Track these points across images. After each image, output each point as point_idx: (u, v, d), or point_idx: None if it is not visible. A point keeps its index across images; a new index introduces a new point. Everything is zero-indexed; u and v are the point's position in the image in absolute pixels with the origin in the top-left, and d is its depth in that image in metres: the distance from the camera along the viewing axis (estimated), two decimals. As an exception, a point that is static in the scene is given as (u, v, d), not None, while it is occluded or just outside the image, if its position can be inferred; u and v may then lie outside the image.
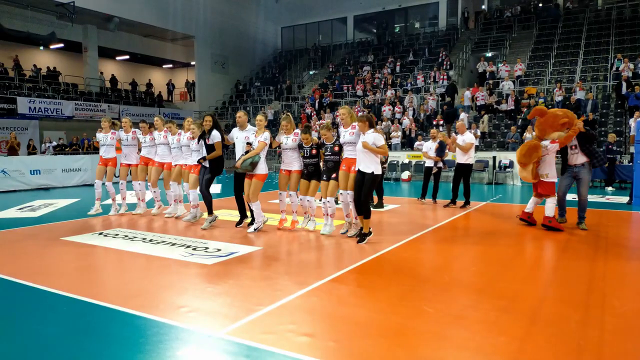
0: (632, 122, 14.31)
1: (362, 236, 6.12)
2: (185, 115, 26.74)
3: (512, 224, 7.62)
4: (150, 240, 6.40)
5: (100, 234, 6.86)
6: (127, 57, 30.41)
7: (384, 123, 18.82)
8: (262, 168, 6.77)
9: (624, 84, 16.54)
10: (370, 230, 6.16)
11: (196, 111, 27.81)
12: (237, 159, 6.86)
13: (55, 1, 20.97)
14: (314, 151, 6.77)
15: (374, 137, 5.93)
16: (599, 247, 6.04)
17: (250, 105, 27.10)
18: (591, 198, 10.81)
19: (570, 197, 8.50)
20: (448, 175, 14.16)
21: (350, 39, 30.55)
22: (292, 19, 31.88)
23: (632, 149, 13.69)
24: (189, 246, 6.04)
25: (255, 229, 6.86)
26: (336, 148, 6.56)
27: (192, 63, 30.38)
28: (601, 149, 13.57)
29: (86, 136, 20.59)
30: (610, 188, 12.57)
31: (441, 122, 17.23)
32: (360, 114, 6.57)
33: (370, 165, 5.96)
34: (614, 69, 18.36)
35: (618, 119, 16.64)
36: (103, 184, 8.61)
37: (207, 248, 5.94)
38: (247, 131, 7.07)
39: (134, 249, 5.91)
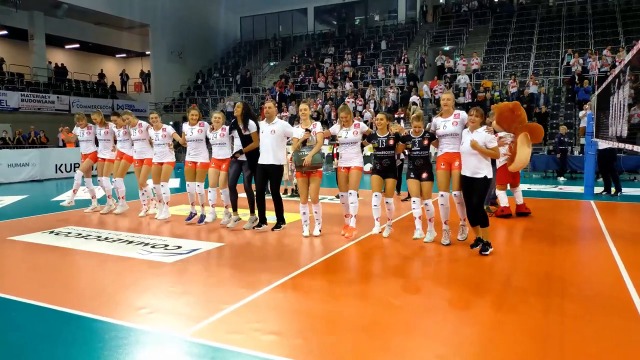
0: (581, 115, 14.94)
1: (484, 246, 5.22)
2: (140, 107, 25.85)
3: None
4: (106, 239, 6.10)
5: (51, 232, 6.49)
6: (77, 45, 29.05)
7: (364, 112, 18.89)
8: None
9: (576, 77, 17.25)
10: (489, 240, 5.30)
11: (152, 102, 26.96)
12: (297, 157, 5.96)
13: (-3, -15, 19.73)
14: (391, 141, 5.82)
15: (485, 137, 5.12)
16: (555, 235, 6.23)
17: (209, 96, 26.49)
18: (545, 188, 11.24)
19: (526, 187, 8.81)
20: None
21: (310, 30, 30.33)
22: (251, 9, 31.28)
23: (582, 140, 14.31)
24: (147, 244, 5.80)
25: (320, 231, 6.18)
26: (425, 142, 5.66)
27: (147, 53, 29.35)
28: (554, 140, 14.11)
29: (34, 129, 19.54)
30: (562, 178, 13.09)
31: (402, 116, 17.41)
32: (474, 108, 5.28)
33: (481, 168, 5.13)
34: (565, 63, 19.07)
35: (568, 112, 17.33)
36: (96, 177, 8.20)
37: (166, 245, 5.72)
38: (274, 124, 6.22)
39: (88, 248, 5.61)
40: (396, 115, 18.00)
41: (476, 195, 5.18)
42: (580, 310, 3.64)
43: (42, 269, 4.88)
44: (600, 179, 10.46)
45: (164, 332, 3.29)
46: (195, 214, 7.07)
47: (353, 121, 6.09)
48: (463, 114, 5.51)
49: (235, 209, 6.74)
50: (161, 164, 7.30)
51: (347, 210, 6.19)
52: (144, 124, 7.54)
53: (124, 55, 32.64)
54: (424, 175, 5.71)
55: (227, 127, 6.70)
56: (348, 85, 21.71)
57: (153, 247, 5.64)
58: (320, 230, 6.20)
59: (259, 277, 4.49)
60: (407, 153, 5.90)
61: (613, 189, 9.72)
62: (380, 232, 6.13)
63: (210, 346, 3.07)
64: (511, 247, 5.79)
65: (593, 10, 22.62)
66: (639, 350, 3.02)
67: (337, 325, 3.41)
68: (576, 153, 13.74)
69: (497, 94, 18.39)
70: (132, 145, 7.61)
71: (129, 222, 7.22)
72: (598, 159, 9.90)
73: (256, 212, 6.62)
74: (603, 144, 8.90)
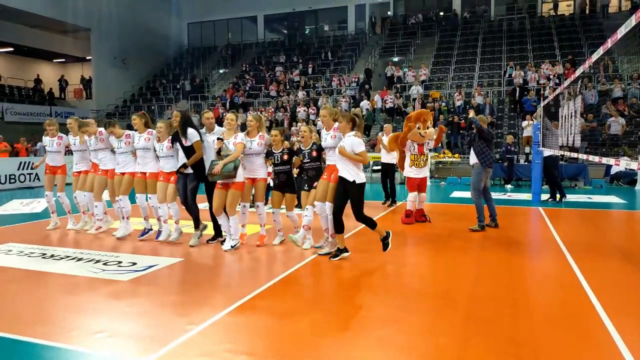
0: (524, 124, 15.69)
1: (339, 251, 5.40)
2: (80, 115, 24.49)
3: (428, 223, 7.83)
4: (52, 256, 5.65)
5: (-12, 250, 5.94)
6: (10, 49, 27.28)
7: (299, 124, 18.79)
8: (240, 175, 5.81)
9: (518, 89, 18.18)
10: (345, 247, 5.46)
11: (93, 110, 25.75)
12: (210, 165, 5.80)
13: None
14: (285, 157, 5.94)
15: (351, 142, 5.16)
16: (511, 242, 6.42)
17: (156, 104, 25.65)
18: (494, 195, 11.60)
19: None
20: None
21: (261, 38, 30.17)
22: (199, 15, 30.72)
23: (526, 149, 15.00)
24: (98, 260, 5.42)
25: (232, 247, 5.86)
26: (314, 153, 5.81)
27: (88, 58, 28.03)
28: (501, 150, 14.67)
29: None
30: (509, 186, 13.61)
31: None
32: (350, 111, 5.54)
33: (350, 171, 5.18)
34: (507, 75, 20.02)
35: (512, 122, 18.16)
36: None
37: (120, 262, 5.37)
38: (215, 134, 6.05)
39: (33, 267, 5.16)
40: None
41: (353, 203, 5.20)
42: (548, 317, 3.71)
43: (-20, 292, 4.41)
44: (546, 186, 10.96)
45: (126, 358, 3.04)
46: (150, 229, 6.63)
47: (259, 132, 6.00)
48: None
49: (196, 226, 6.29)
50: (123, 174, 6.61)
51: (245, 221, 6.22)
52: (104, 131, 6.79)
53: (63, 60, 30.97)
54: (316, 184, 5.78)
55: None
56: (301, 94, 21.71)
57: (105, 264, 5.28)
58: (232, 246, 5.86)
59: (224, 293, 4.29)
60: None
61: (558, 196, 10.20)
62: (302, 244, 5.96)
63: (180, 372, 2.85)
64: (472, 256, 5.86)
65: (531, 25, 23.98)
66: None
67: (310, 341, 3.28)
68: (522, 161, 14.34)
69: (444, 104, 19.00)
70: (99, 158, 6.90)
71: (76, 238, 6.75)
72: (543, 166, 10.38)
73: (200, 227, 6.31)
74: (547, 152, 9.32)
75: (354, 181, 5.16)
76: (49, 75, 29.46)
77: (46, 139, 7.39)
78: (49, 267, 5.15)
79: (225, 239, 6.08)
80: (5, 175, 13.96)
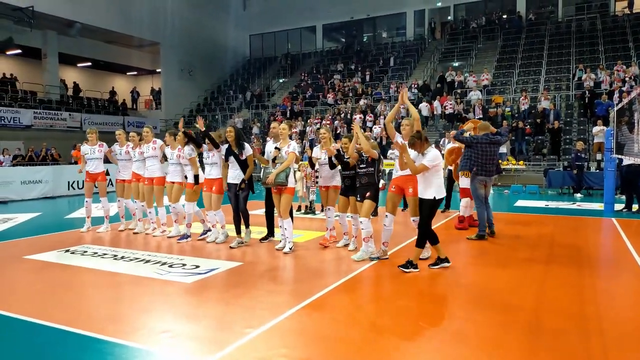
0: (595, 130, 14.77)
1: (437, 261, 5.37)
2: (151, 124, 25.74)
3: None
4: (122, 257, 6.01)
5: (67, 251, 6.41)
6: (89, 63, 29.41)
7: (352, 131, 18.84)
8: (291, 181, 6.14)
9: (587, 92, 17.17)
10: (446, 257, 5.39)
11: (162, 119, 27.14)
12: (264, 173, 6.15)
13: (13, 5, 20.00)
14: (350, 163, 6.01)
15: (431, 155, 5.07)
16: (581, 255, 6.06)
17: (219, 113, 26.63)
18: (563, 205, 11.04)
19: (543, 203, 8.56)
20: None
21: (319, 47, 30.56)
22: (260, 27, 31.65)
23: (597, 156, 14.12)
24: (164, 263, 5.70)
25: (290, 249, 6.17)
26: (370, 158, 5.72)
27: (158, 70, 29.65)
28: (570, 156, 13.90)
29: (46, 146, 19.66)
30: (578, 195, 12.84)
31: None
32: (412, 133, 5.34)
33: (429, 188, 5.11)
34: (576, 78, 18.97)
35: (581, 127, 17.17)
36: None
37: (184, 265, 5.62)
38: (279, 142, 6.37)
39: (104, 267, 5.52)
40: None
41: (422, 216, 5.20)
42: (621, 335, 3.47)
43: (59, 290, 4.78)
44: (619, 196, 10.25)
45: (188, 358, 3.17)
46: (189, 236, 7.11)
47: (331, 143, 6.23)
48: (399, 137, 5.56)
49: (247, 226, 6.65)
50: (173, 183, 7.22)
51: (331, 225, 6.63)
52: (159, 141, 7.48)
53: (135, 72, 32.98)
54: (368, 194, 5.70)
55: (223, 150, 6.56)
56: (362, 102, 21.70)
57: (170, 266, 5.54)
58: (290, 248, 6.16)
59: (281, 298, 4.37)
60: (356, 171, 5.96)
61: (635, 206, 9.49)
62: (346, 245, 6.40)
63: (238, 374, 2.94)
64: (537, 267, 5.58)
65: (603, 25, 22.60)
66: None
67: (367, 350, 3.27)
68: (593, 169, 13.51)
69: (508, 109, 18.31)
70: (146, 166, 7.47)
71: (144, 241, 7.14)
72: (621, 175, 9.70)
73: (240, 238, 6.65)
74: (627, 161, 8.69)
75: (434, 197, 5.12)
76: (122, 88, 31.44)
77: (86, 147, 7.85)
78: (120, 268, 5.48)
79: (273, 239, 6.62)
80: (83, 181, 14.99)
